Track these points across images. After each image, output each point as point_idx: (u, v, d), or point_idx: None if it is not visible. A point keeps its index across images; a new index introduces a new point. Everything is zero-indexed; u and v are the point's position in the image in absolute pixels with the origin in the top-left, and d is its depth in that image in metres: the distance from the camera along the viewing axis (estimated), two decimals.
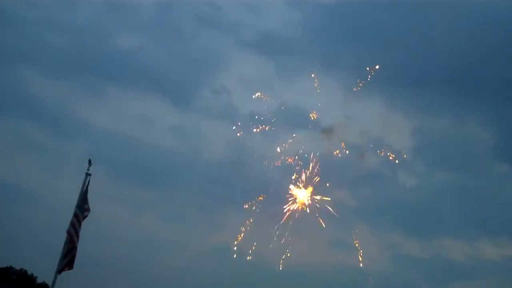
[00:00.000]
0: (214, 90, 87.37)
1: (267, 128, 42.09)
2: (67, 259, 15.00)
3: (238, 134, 42.39)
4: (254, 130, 40.43)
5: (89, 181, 15.91)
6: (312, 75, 40.46)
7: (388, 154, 41.22)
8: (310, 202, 41.60)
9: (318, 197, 39.96)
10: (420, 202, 74.63)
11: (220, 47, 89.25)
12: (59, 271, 14.96)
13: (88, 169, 15.97)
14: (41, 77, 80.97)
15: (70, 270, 15.16)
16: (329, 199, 39.18)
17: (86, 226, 15.97)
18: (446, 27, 74.33)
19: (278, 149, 39.21)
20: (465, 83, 77.63)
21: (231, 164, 78.35)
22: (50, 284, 15.67)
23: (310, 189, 41.00)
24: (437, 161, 79.43)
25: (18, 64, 78.74)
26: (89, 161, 16.04)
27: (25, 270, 57.28)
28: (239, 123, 41.04)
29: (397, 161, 42.63)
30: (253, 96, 40.23)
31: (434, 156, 77.81)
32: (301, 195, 41.16)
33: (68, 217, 15.31)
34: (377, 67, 40.23)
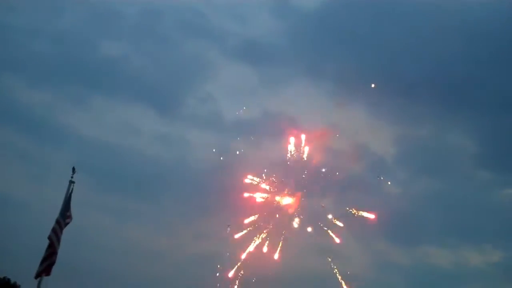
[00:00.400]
0: (199, 98, 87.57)
1: (252, 138, 42.58)
2: (45, 265, 15.02)
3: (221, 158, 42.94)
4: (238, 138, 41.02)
5: (72, 189, 16.01)
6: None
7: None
8: (296, 209, 42.09)
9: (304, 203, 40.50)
10: (403, 209, 75.29)
11: (205, 55, 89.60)
12: (36, 276, 14.98)
13: (72, 177, 16.07)
14: (26, 85, 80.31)
15: (47, 276, 15.13)
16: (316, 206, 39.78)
17: (70, 233, 16.07)
18: (429, 37, 75.45)
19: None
20: (447, 92, 78.70)
21: (216, 173, 78.44)
22: None
23: (295, 198, 41.51)
24: (419, 169, 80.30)
25: (1, 72, 78.36)
26: (73, 168, 16.14)
27: (8, 279, 56.66)
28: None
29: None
30: (239, 111, 40.86)
31: (417, 164, 78.70)
32: (288, 203, 41.65)
33: (52, 224, 15.39)
34: (373, 86, 41.30)
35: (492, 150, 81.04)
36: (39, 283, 15.12)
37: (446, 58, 76.30)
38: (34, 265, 15.22)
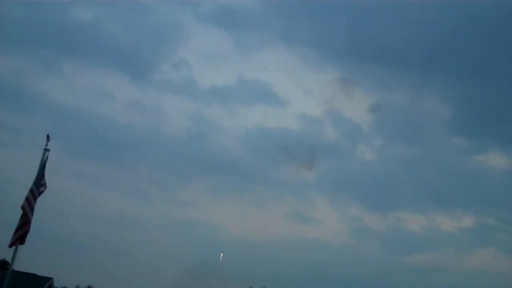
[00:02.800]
0: (173, 64, 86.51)
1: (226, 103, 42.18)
2: (19, 234, 14.90)
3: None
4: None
5: (47, 157, 15.79)
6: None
7: None
8: None
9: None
10: (378, 176, 76.62)
11: (178, 20, 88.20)
12: (10, 245, 14.88)
13: (46, 145, 15.84)
14: None
15: (22, 245, 15.02)
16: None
17: (45, 201, 15.92)
18: (404, 4, 75.49)
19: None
20: (422, 58, 79.34)
21: (192, 138, 78.26)
22: (10, 261, 15.62)
23: None
24: (394, 136, 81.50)
25: None
26: (47, 136, 15.91)
27: None
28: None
29: None
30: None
31: (392, 131, 79.81)
32: None
33: (26, 192, 15.20)
34: None
35: (466, 117, 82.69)
36: (15, 251, 15.00)
37: (421, 25, 76.68)
38: (9, 234, 15.10)
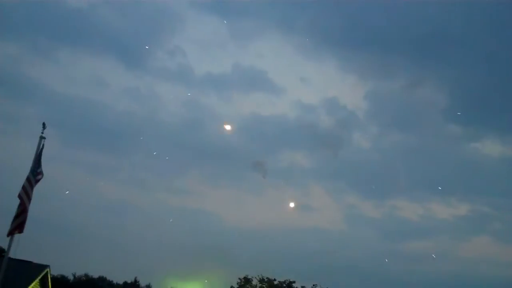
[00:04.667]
0: (168, 51, 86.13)
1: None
2: (17, 222, 14.94)
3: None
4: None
5: (43, 145, 15.75)
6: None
7: None
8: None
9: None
10: (374, 163, 76.77)
11: (173, 7, 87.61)
12: (8, 233, 14.93)
13: (42, 132, 15.79)
14: None
15: (20, 234, 15.06)
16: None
17: (41, 189, 15.89)
18: None
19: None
20: (418, 45, 79.10)
21: (188, 125, 78.17)
22: (6, 248, 15.65)
23: None
24: (390, 123, 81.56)
25: None
26: (43, 124, 15.87)
27: None
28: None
29: None
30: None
31: (388, 118, 79.85)
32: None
33: (23, 180, 15.17)
34: None
35: (462, 105, 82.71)
36: (11, 240, 15.02)
37: (418, 13, 76.39)
38: (6, 222, 15.12)
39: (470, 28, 77.99)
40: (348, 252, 70.88)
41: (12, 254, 15.14)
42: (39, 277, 31.45)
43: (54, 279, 41.90)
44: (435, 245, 76.50)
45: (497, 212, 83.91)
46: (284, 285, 44.46)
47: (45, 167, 15.78)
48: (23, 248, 15.61)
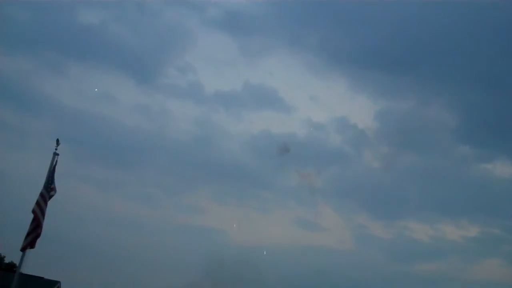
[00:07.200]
0: (178, 68, 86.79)
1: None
2: (30, 238, 15.03)
3: None
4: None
5: (57, 161, 15.90)
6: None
7: None
8: None
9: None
10: (384, 183, 76.24)
11: (184, 24, 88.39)
12: (22, 249, 15.01)
13: (56, 149, 15.94)
14: (2, 52, 78.79)
15: (32, 249, 15.15)
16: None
17: (53, 205, 15.98)
18: (411, 9, 75.39)
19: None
20: (428, 66, 79.12)
21: (198, 143, 78.40)
22: (17, 264, 15.72)
23: None
24: (400, 143, 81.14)
25: None
26: (57, 140, 16.00)
27: None
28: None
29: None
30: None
31: (398, 138, 79.45)
32: None
33: (36, 195, 15.30)
34: None
35: (472, 125, 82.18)
36: (23, 255, 15.11)
37: (429, 34, 76.48)
38: (18, 237, 15.21)
39: (481, 48, 77.86)
40: (357, 272, 70.16)
41: (23, 269, 15.23)
42: None
43: None
44: (446, 266, 75.52)
45: (508, 234, 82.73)
46: None
47: (56, 182, 15.91)
48: (34, 264, 15.71)
